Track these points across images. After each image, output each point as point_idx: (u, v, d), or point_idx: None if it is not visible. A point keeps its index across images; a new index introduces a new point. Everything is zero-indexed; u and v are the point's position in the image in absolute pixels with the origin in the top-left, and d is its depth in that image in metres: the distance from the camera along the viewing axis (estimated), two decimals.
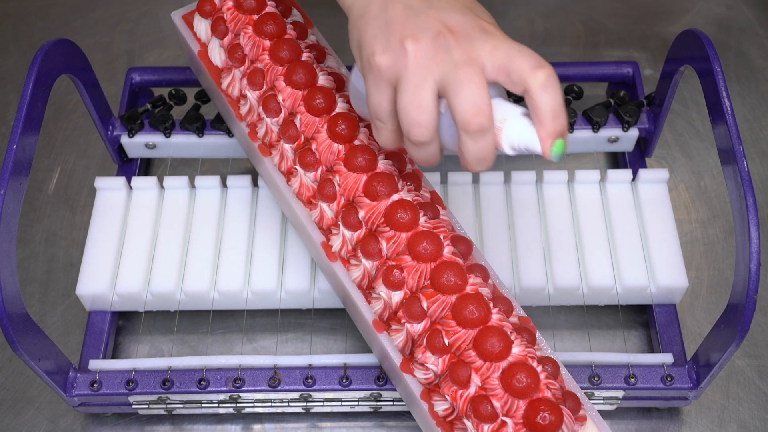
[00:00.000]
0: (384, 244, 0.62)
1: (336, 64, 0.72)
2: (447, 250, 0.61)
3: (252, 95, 0.70)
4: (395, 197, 0.63)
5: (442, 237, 0.62)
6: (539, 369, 0.57)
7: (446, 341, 0.58)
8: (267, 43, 0.69)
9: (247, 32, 0.69)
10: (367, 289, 0.65)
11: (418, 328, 0.61)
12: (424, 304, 0.60)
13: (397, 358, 0.62)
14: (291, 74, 0.67)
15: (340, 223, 0.65)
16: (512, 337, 0.58)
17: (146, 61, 0.97)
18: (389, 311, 0.63)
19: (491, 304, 0.60)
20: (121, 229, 0.77)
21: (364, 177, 0.64)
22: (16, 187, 0.61)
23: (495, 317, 0.59)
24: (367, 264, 0.63)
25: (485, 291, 0.60)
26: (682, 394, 0.69)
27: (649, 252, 0.75)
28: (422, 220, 0.63)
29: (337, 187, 0.65)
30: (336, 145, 0.65)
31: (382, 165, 0.65)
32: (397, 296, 0.62)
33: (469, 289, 0.60)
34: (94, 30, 1.00)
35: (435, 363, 0.59)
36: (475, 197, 0.79)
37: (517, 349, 0.57)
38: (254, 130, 0.71)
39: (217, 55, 0.73)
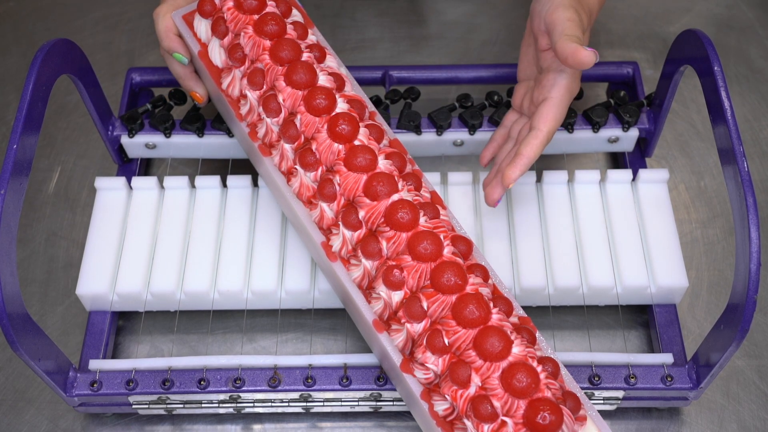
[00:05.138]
0: (384, 244, 0.62)
1: (336, 64, 0.72)
2: (447, 250, 0.61)
3: (252, 95, 0.70)
4: (395, 197, 0.63)
5: (442, 237, 0.62)
6: (539, 369, 0.57)
7: (446, 341, 0.58)
8: (267, 43, 0.69)
9: (248, 32, 0.69)
10: (367, 289, 0.65)
11: (418, 328, 0.61)
12: (424, 304, 0.60)
13: (397, 358, 0.62)
14: (291, 74, 0.67)
15: (340, 223, 0.65)
16: (512, 337, 0.58)
17: (146, 61, 0.97)
18: (389, 311, 0.63)
19: (491, 304, 0.60)
20: (121, 229, 0.77)
21: (364, 177, 0.64)
22: (16, 187, 0.61)
23: (495, 317, 0.59)
24: (367, 264, 0.63)
25: (485, 291, 0.60)
26: (682, 394, 0.69)
27: (649, 252, 0.75)
28: (422, 220, 0.63)
29: (337, 187, 0.65)
30: (336, 145, 0.65)
31: (382, 165, 0.65)
32: (397, 296, 0.62)
33: (469, 289, 0.60)
34: (94, 30, 1.00)
35: (435, 363, 0.59)
36: (475, 197, 0.79)
37: (517, 349, 0.57)
38: (254, 130, 0.71)
39: (217, 55, 0.73)
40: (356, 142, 0.65)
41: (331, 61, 0.72)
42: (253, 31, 0.69)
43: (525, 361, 0.57)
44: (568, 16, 0.68)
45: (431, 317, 0.60)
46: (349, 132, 0.65)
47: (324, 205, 0.66)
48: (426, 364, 0.60)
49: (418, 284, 0.61)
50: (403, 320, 0.61)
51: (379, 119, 0.71)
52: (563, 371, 0.61)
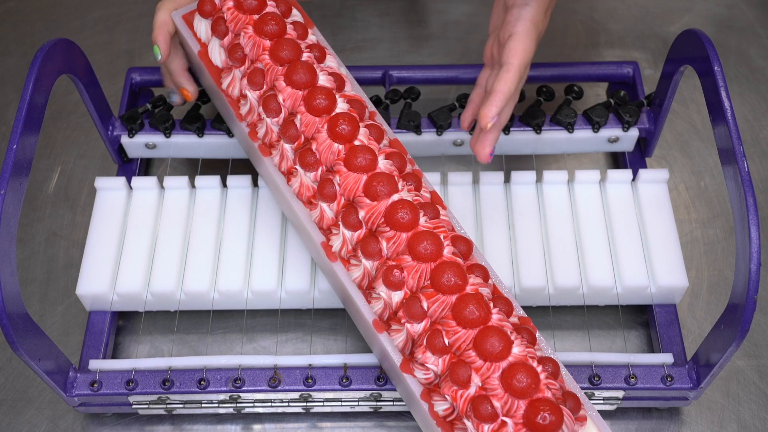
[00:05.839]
0: (384, 244, 0.62)
1: (336, 64, 0.72)
2: (447, 250, 0.61)
3: (252, 95, 0.70)
4: (395, 197, 0.63)
5: (442, 237, 0.62)
6: (539, 369, 0.57)
7: (446, 341, 0.58)
8: (267, 43, 0.69)
9: (248, 32, 0.69)
10: (367, 289, 0.65)
11: (418, 328, 0.61)
12: (424, 304, 0.60)
13: (397, 358, 0.62)
14: (291, 74, 0.67)
15: (340, 223, 0.65)
16: (512, 337, 0.58)
17: (146, 61, 0.97)
18: (389, 311, 0.63)
19: (491, 304, 0.60)
20: (121, 229, 0.77)
21: (364, 177, 0.64)
22: (16, 187, 0.61)
23: (495, 317, 0.59)
24: (367, 264, 0.63)
25: (485, 291, 0.60)
26: (682, 394, 0.69)
27: (649, 252, 0.75)
28: (422, 220, 0.63)
29: (337, 187, 0.65)
30: (336, 145, 0.65)
31: (383, 165, 0.65)
32: (397, 296, 0.62)
33: (469, 289, 0.60)
34: (94, 30, 1.00)
35: (435, 363, 0.59)
36: (475, 197, 0.79)
37: (517, 349, 0.57)
38: (254, 130, 0.71)
39: (217, 55, 0.73)
40: (356, 142, 0.65)
41: (331, 61, 0.72)
42: (253, 31, 0.69)
43: (525, 361, 0.57)
44: None
45: (431, 317, 0.60)
46: (349, 132, 0.65)
47: (324, 205, 0.66)
48: (426, 364, 0.60)
49: (418, 284, 0.61)
50: (403, 320, 0.61)
51: (379, 119, 0.71)
52: (563, 371, 0.61)
